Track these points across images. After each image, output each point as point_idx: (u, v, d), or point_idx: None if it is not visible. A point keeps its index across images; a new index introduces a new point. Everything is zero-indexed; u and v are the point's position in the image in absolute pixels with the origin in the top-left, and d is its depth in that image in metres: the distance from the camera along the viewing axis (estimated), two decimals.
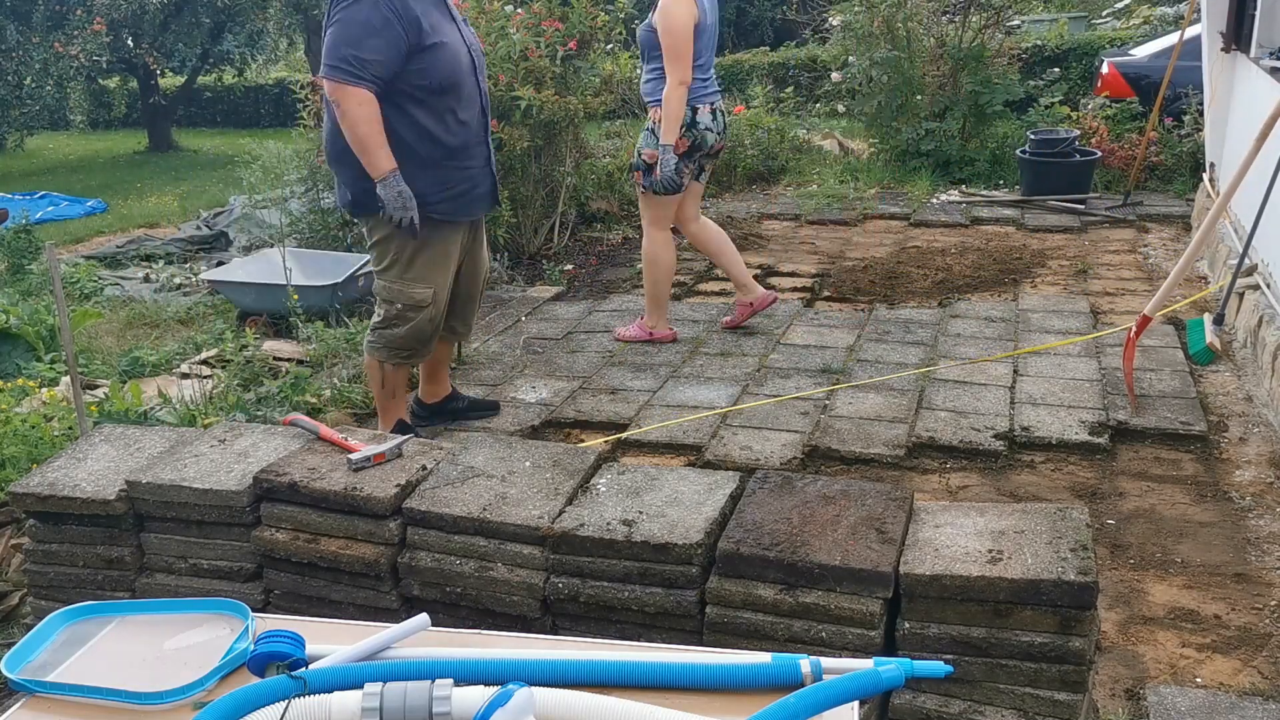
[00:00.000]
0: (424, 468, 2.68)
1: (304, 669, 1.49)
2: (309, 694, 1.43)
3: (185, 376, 4.80)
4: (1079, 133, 8.17)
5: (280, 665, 1.50)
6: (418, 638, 1.63)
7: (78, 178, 12.77)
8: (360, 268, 5.71)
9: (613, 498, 2.51)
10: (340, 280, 5.61)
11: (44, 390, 4.30)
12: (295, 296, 5.16)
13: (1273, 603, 2.91)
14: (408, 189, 3.54)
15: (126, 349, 5.36)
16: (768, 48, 16.22)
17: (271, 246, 6.58)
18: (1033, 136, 7.99)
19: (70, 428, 3.76)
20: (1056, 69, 11.11)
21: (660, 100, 4.65)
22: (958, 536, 2.26)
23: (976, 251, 6.57)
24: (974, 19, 9.10)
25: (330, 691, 1.44)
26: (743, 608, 2.26)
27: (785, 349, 4.98)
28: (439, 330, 3.90)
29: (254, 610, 1.70)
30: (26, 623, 2.97)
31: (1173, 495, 3.53)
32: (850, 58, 9.42)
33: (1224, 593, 2.97)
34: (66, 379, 4.41)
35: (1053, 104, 9.01)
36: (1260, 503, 3.45)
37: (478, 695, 1.39)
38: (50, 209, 10.15)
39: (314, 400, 4.27)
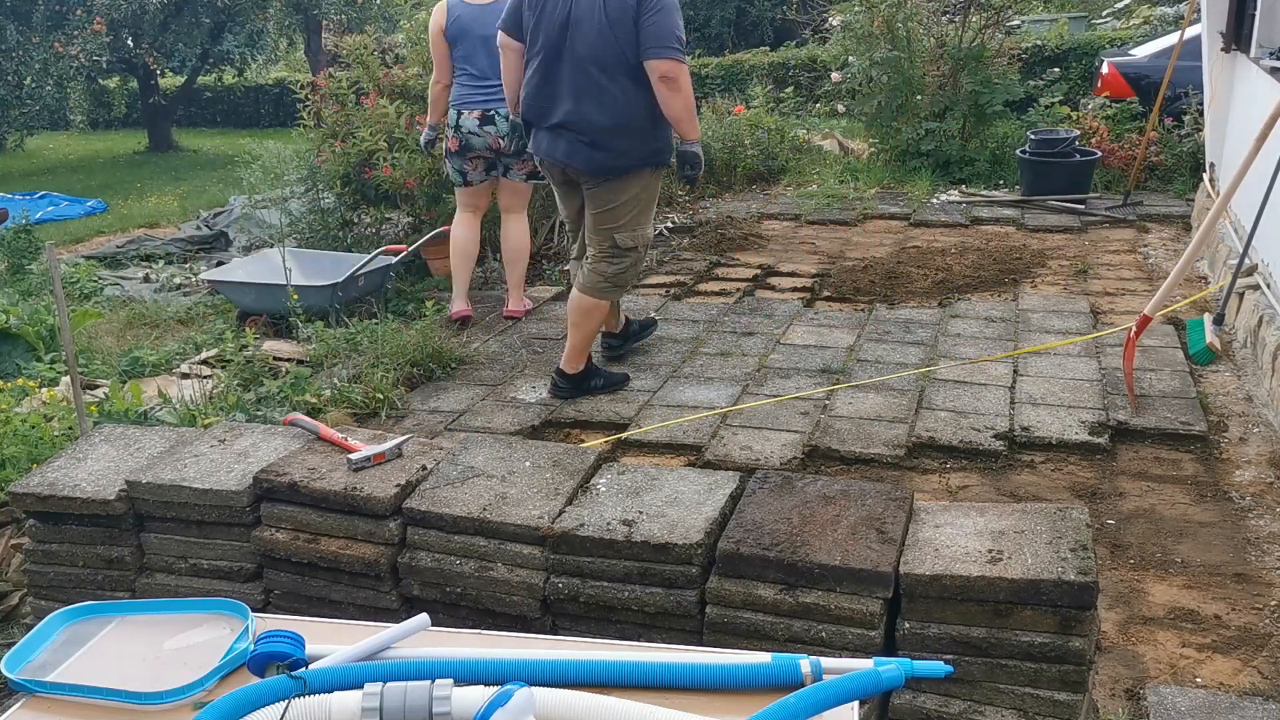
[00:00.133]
0: (424, 468, 2.68)
1: (304, 669, 1.49)
2: (309, 694, 1.43)
3: (185, 376, 4.80)
4: (1079, 133, 8.16)
5: (280, 665, 1.50)
6: (418, 638, 1.63)
7: (78, 178, 12.77)
8: (360, 267, 5.71)
9: (613, 498, 2.51)
10: (340, 280, 5.60)
11: (44, 390, 4.30)
12: (295, 296, 5.16)
13: (1273, 603, 2.91)
14: None
15: (126, 349, 5.36)
16: (768, 48, 16.22)
17: (271, 246, 6.58)
18: (1033, 136, 7.99)
19: (70, 428, 3.76)
20: (1056, 69, 11.11)
21: None
22: (958, 536, 2.26)
23: (976, 251, 6.57)
24: (974, 19, 9.10)
25: (330, 691, 1.44)
26: (743, 608, 2.26)
27: (785, 349, 4.98)
28: None
29: (254, 610, 1.70)
30: (26, 623, 2.97)
31: (1173, 495, 3.53)
32: (850, 58, 9.42)
33: (1224, 593, 2.97)
34: (66, 379, 4.41)
35: (1053, 104, 9.01)
36: (1260, 503, 3.45)
37: (478, 695, 1.39)
38: (50, 209, 10.15)
39: (314, 400, 4.27)
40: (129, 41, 14.35)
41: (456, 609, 2.50)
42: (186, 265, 7.56)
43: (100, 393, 4.45)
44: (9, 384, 4.31)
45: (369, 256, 5.86)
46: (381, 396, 4.36)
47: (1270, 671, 2.63)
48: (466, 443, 2.83)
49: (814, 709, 1.38)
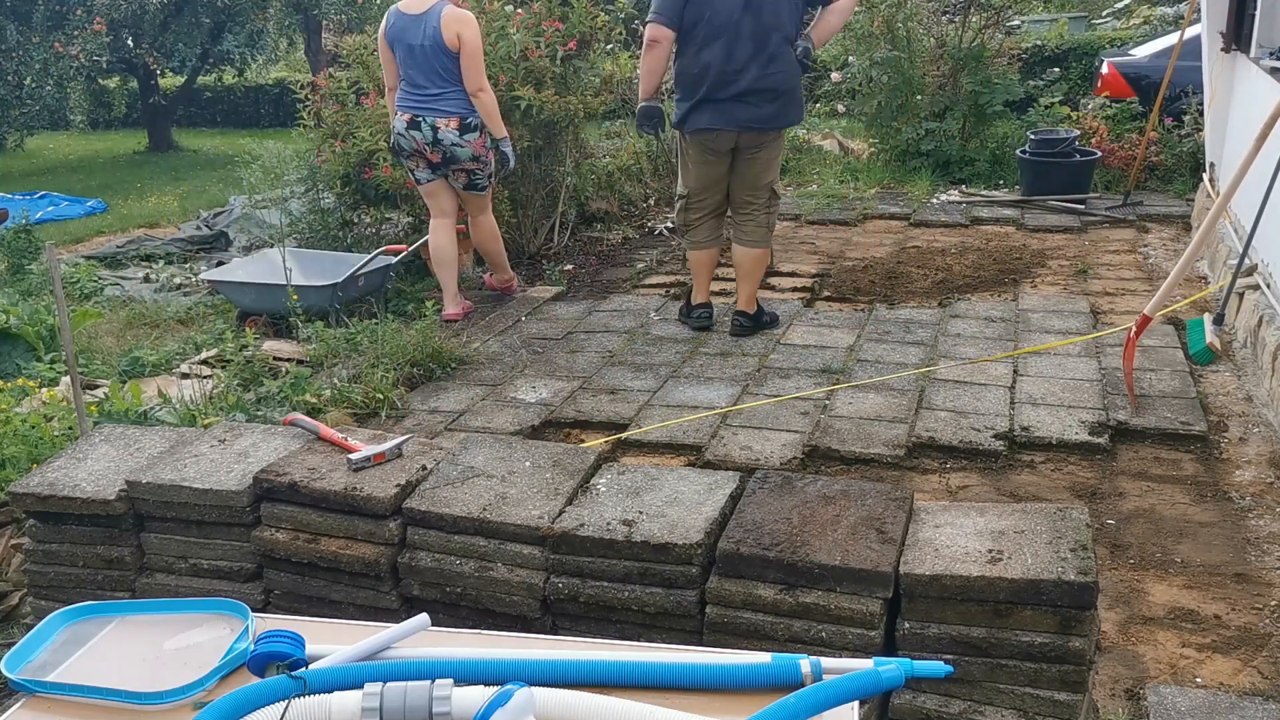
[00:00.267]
0: (424, 468, 2.68)
1: (304, 669, 1.49)
2: (309, 694, 1.43)
3: (185, 376, 4.80)
4: (1079, 133, 8.16)
5: (280, 665, 1.50)
6: (418, 638, 1.63)
7: (78, 178, 12.77)
8: (360, 267, 5.71)
9: (613, 498, 2.51)
10: (340, 280, 5.60)
11: (44, 390, 4.30)
12: (295, 296, 5.16)
13: (1273, 603, 2.91)
14: None
15: (126, 349, 5.36)
16: None
17: (271, 246, 6.58)
18: (1033, 136, 7.99)
19: (70, 428, 3.76)
20: (1056, 69, 11.11)
21: None
22: (958, 536, 2.26)
23: (976, 251, 6.57)
24: (974, 19, 9.10)
25: (330, 691, 1.44)
26: (743, 608, 2.26)
27: (785, 349, 4.98)
28: None
29: (254, 610, 1.70)
30: (26, 623, 2.97)
31: (1173, 495, 3.53)
32: (850, 58, 9.43)
33: (1224, 593, 2.97)
34: (66, 379, 4.41)
35: (1053, 104, 9.01)
36: (1260, 503, 3.46)
37: (478, 695, 1.39)
38: (50, 209, 10.14)
39: (314, 400, 4.27)
40: (129, 41, 14.34)
41: (456, 609, 2.50)
42: (186, 265, 7.55)
43: (100, 393, 4.45)
44: (9, 384, 4.31)
45: (369, 256, 5.86)
46: (381, 396, 4.36)
47: (1270, 671, 2.63)
48: (466, 443, 2.83)
49: (814, 709, 1.38)
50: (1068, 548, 2.18)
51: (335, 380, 4.50)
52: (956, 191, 8.34)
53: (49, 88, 12.96)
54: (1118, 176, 8.13)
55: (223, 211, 8.76)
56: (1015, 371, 4.55)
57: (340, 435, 2.81)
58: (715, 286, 6.10)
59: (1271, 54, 5.53)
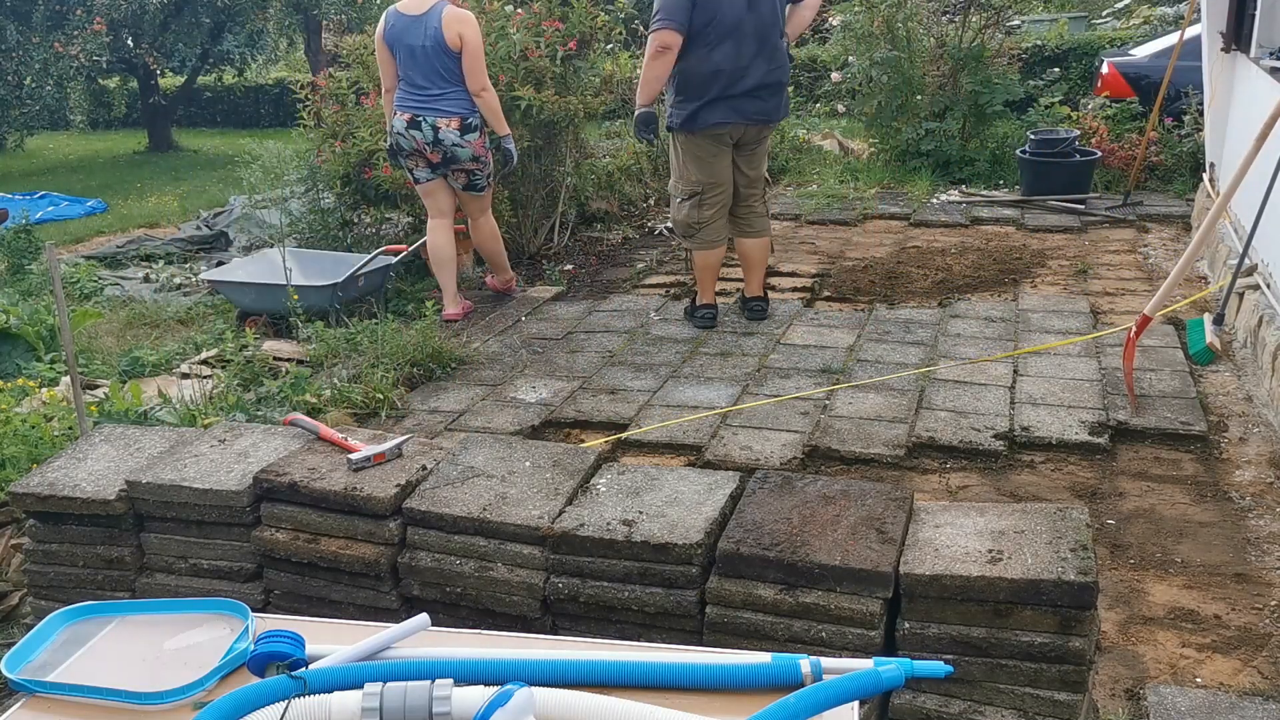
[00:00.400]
0: (424, 468, 2.68)
1: (304, 669, 1.49)
2: (309, 694, 1.43)
3: (185, 376, 4.80)
4: (1079, 133, 8.16)
5: (280, 665, 1.50)
6: (418, 638, 1.63)
7: (78, 178, 12.77)
8: (360, 267, 5.71)
9: (613, 498, 2.51)
10: (340, 280, 5.60)
11: (44, 390, 4.30)
12: (295, 296, 5.16)
13: (1273, 603, 2.91)
14: None
15: (126, 349, 5.36)
16: None
17: (271, 246, 6.58)
18: (1033, 136, 7.98)
19: (70, 428, 3.76)
20: (1056, 69, 11.11)
21: None
22: (958, 536, 2.26)
23: (976, 251, 6.57)
24: (974, 19, 9.10)
25: (330, 691, 1.44)
26: (743, 608, 2.26)
27: (785, 349, 4.98)
28: None
29: (254, 610, 1.70)
30: (26, 623, 2.97)
31: (1173, 495, 3.53)
32: (850, 58, 9.42)
33: (1224, 593, 2.97)
34: (66, 379, 4.41)
35: (1053, 104, 9.01)
36: (1260, 503, 3.45)
37: (478, 695, 1.39)
38: (50, 209, 10.14)
39: (314, 400, 4.27)
40: (129, 41, 14.34)
41: (456, 609, 2.50)
42: (186, 265, 7.55)
43: (100, 393, 4.45)
44: (9, 384, 4.31)
45: (369, 256, 5.86)
46: (381, 396, 4.36)
47: (1270, 671, 2.63)
48: (466, 443, 2.83)
49: (814, 709, 1.38)
50: (1068, 548, 2.18)
51: (335, 380, 4.50)
52: (956, 191, 8.34)
53: (49, 88, 12.96)
54: (1118, 176, 8.12)
55: (223, 211, 8.76)
56: (1015, 371, 4.55)
57: (340, 435, 2.81)
58: (715, 287, 6.10)
59: (1271, 54, 5.53)
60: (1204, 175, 6.82)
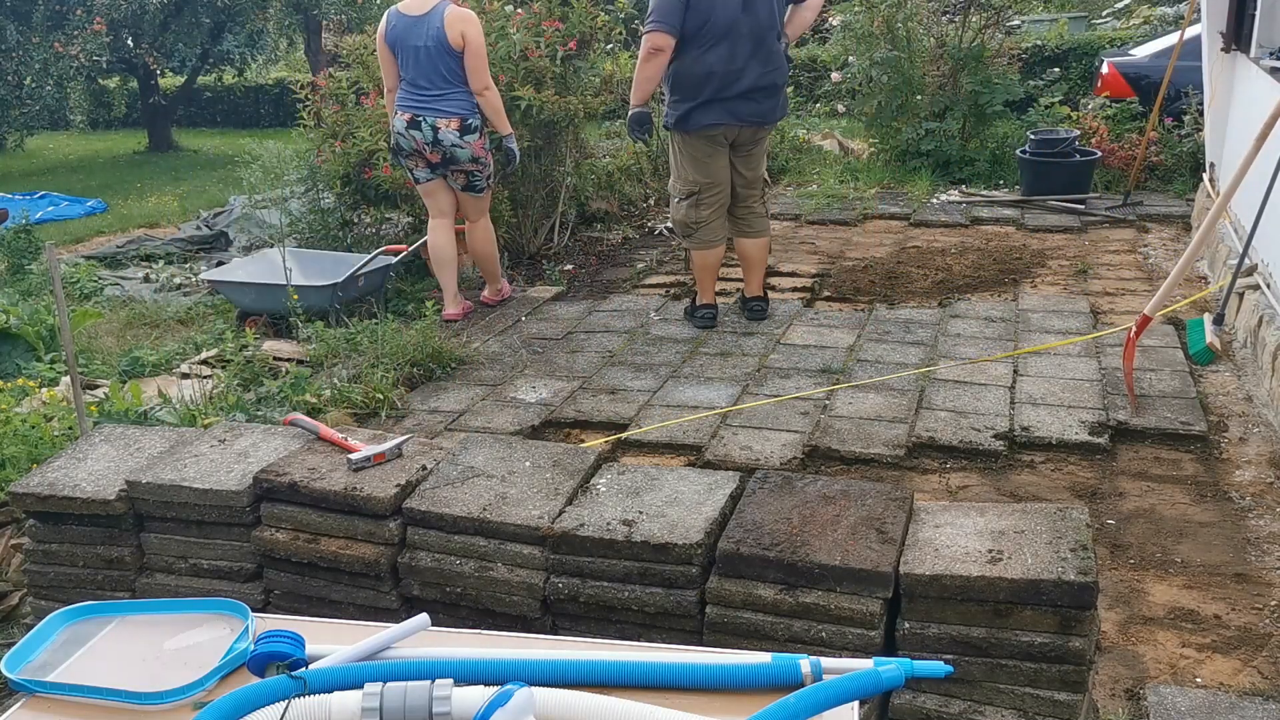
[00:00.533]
0: (424, 468, 2.68)
1: (304, 669, 1.49)
2: (309, 694, 1.43)
3: (185, 376, 4.80)
4: (1079, 133, 8.16)
5: (280, 665, 1.50)
6: (418, 638, 1.63)
7: (78, 178, 12.77)
8: (360, 267, 5.71)
9: (613, 498, 2.51)
10: (340, 280, 5.60)
11: (44, 390, 4.30)
12: (295, 296, 5.16)
13: (1273, 603, 2.91)
14: None
15: (126, 349, 5.36)
16: None
17: (271, 246, 6.58)
18: (1033, 136, 7.98)
19: (70, 428, 3.76)
20: (1056, 69, 11.10)
21: None
22: (958, 536, 2.26)
23: (976, 251, 6.57)
24: (974, 19, 9.10)
25: (330, 691, 1.44)
26: (743, 608, 2.26)
27: (785, 349, 4.98)
28: None
29: (254, 610, 1.70)
30: (26, 623, 2.97)
31: (1173, 495, 3.53)
32: (850, 58, 9.42)
33: (1224, 593, 2.97)
34: (66, 379, 4.41)
35: (1053, 104, 9.01)
36: (1260, 503, 3.45)
37: (478, 695, 1.39)
38: (50, 209, 10.14)
39: (314, 400, 4.27)
40: (129, 41, 14.33)
41: (456, 609, 2.50)
42: (186, 265, 7.55)
43: (100, 393, 4.45)
44: (9, 384, 4.31)
45: (369, 256, 5.86)
46: (381, 396, 4.36)
47: (1270, 671, 2.63)
48: (466, 443, 2.83)
49: (814, 709, 1.37)
50: (1068, 548, 2.18)
51: (335, 380, 4.50)
52: (956, 191, 8.34)
53: (49, 88, 12.96)
54: (1118, 176, 8.12)
55: (223, 211, 8.76)
56: (1015, 371, 4.55)
57: (340, 435, 2.81)
58: (715, 287, 6.10)
59: (1271, 54, 5.53)
60: (1204, 175, 6.82)
